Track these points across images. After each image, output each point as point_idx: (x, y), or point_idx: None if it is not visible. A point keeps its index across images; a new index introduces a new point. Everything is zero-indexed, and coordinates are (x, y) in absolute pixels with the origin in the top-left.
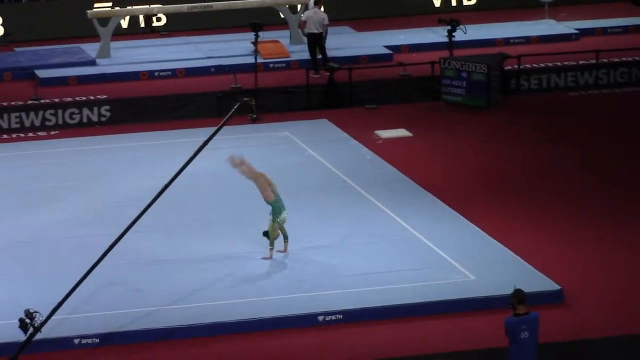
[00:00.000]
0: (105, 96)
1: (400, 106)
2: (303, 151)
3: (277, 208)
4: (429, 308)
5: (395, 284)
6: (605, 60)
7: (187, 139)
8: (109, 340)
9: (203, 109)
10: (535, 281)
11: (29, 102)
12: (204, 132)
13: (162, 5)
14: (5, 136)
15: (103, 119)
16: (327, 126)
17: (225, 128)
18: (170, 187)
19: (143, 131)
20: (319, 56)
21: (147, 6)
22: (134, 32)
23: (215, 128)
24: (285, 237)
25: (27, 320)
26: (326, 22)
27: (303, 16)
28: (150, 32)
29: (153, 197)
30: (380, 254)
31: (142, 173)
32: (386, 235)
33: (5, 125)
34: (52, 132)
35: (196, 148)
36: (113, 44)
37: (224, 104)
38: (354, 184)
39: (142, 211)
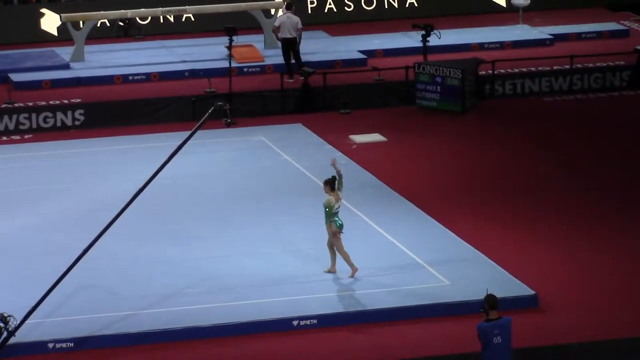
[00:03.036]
0: (79, 100)
1: (375, 111)
2: (277, 155)
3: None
4: (404, 313)
5: (369, 288)
6: (579, 66)
7: (161, 143)
8: (83, 344)
9: (177, 113)
10: (509, 286)
11: (3, 105)
12: (178, 136)
13: (136, 9)
14: None
15: (77, 122)
16: (302, 131)
17: (199, 132)
18: (144, 191)
19: (117, 135)
20: (293, 61)
21: (121, 11)
22: (108, 35)
23: (189, 132)
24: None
25: (1, 324)
26: (300, 26)
27: (277, 21)
28: (125, 35)
29: (127, 201)
30: (355, 258)
31: (117, 177)
32: (360, 240)
33: None
34: (26, 136)
35: (170, 152)
36: (87, 48)
37: (199, 108)
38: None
39: (116, 215)
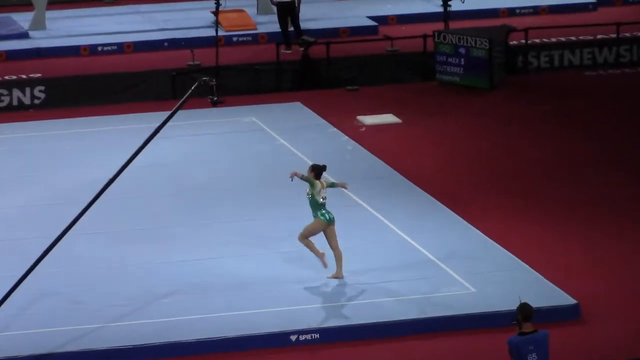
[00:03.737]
0: (39, 75)
1: (387, 87)
2: (272, 140)
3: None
4: (421, 326)
5: (379, 296)
6: (627, 35)
7: (136, 125)
8: None
9: (155, 90)
10: (546, 294)
11: None
12: (156, 118)
13: None
14: None
15: (37, 101)
16: (301, 110)
17: (181, 113)
18: (116, 181)
19: (84, 116)
20: (291, 28)
21: None
22: (73, 0)
23: (169, 113)
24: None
25: None
26: None
27: None
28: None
29: (96, 193)
30: (364, 262)
31: (84, 165)
32: (371, 240)
33: None
34: None
35: (147, 136)
36: (49, 14)
37: (180, 84)
38: (332, 179)
39: (82, 210)
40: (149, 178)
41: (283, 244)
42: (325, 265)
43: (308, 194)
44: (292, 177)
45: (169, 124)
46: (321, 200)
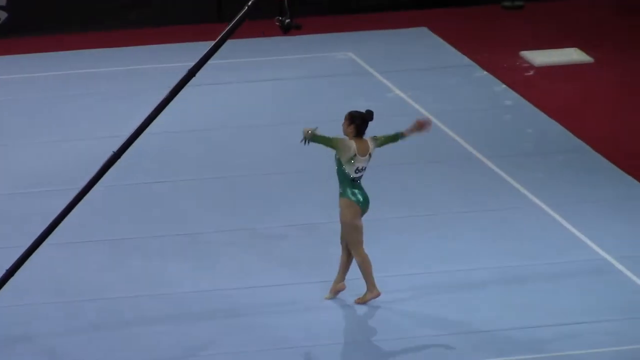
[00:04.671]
0: None
1: (568, 3)
2: (382, 90)
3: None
4: None
5: (577, 347)
6: None
7: (157, 64)
8: None
9: (188, 8)
10: None
11: None
12: (189, 52)
13: None
14: None
15: None
16: (429, 40)
17: (230, 44)
18: (123, 158)
19: (71, 49)
20: None
21: None
22: None
23: (210, 44)
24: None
25: None
26: None
27: None
28: None
29: (90, 177)
30: (545, 293)
31: (72, 132)
32: (552, 258)
33: None
34: None
35: (174, 84)
36: None
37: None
38: (482, 155)
39: (70, 203)
40: (176, 151)
41: (402, 264)
42: (334, 294)
43: (336, 161)
44: (304, 137)
45: (210, 63)
46: (353, 173)
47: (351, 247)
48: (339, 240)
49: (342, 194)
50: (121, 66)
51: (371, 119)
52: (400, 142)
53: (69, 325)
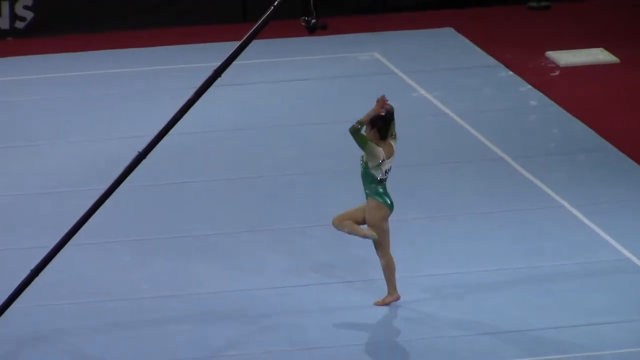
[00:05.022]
0: None
1: (594, 3)
2: (407, 90)
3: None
4: None
5: (602, 347)
6: None
7: (181, 64)
8: None
9: (212, 8)
10: None
11: None
12: (215, 53)
13: None
14: None
15: (20, 25)
16: (454, 41)
17: (255, 45)
18: (147, 159)
19: (95, 49)
20: None
21: None
22: None
23: (236, 45)
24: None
25: None
26: None
27: None
28: None
29: (116, 177)
30: (570, 293)
31: (97, 131)
32: (577, 259)
33: None
34: None
35: (199, 84)
36: None
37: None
38: (507, 155)
39: (96, 203)
40: (201, 152)
41: (426, 264)
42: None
43: (362, 162)
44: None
45: (235, 63)
46: (382, 175)
47: (377, 248)
48: (373, 246)
49: (371, 195)
50: (146, 66)
51: (392, 118)
52: (423, 142)
53: (94, 325)
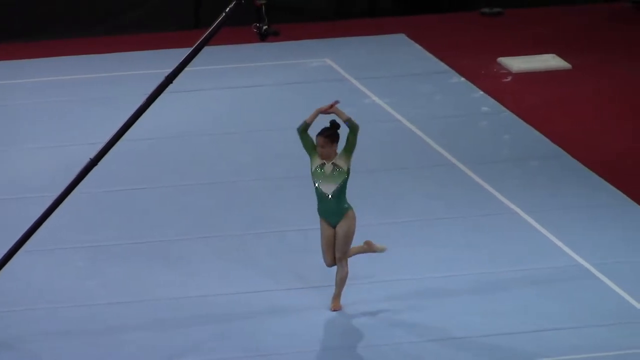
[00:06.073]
0: None
1: (547, 10)
2: (360, 96)
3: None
4: None
5: (557, 353)
6: None
7: (136, 70)
8: None
9: (166, 14)
10: None
11: None
12: (168, 59)
13: None
14: None
15: None
16: (406, 47)
17: (207, 51)
18: (100, 165)
19: (51, 56)
20: None
21: None
22: None
23: (188, 50)
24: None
25: None
26: None
27: None
28: None
29: (68, 183)
30: (523, 299)
31: (50, 138)
32: (530, 265)
33: None
34: None
35: (152, 89)
36: None
37: (208, 4)
38: (459, 161)
39: (48, 209)
40: (155, 158)
41: (389, 271)
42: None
43: (339, 182)
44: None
45: (187, 69)
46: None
47: (346, 257)
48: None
49: (348, 208)
50: (100, 73)
51: (334, 130)
52: (375, 149)
53: (49, 331)
